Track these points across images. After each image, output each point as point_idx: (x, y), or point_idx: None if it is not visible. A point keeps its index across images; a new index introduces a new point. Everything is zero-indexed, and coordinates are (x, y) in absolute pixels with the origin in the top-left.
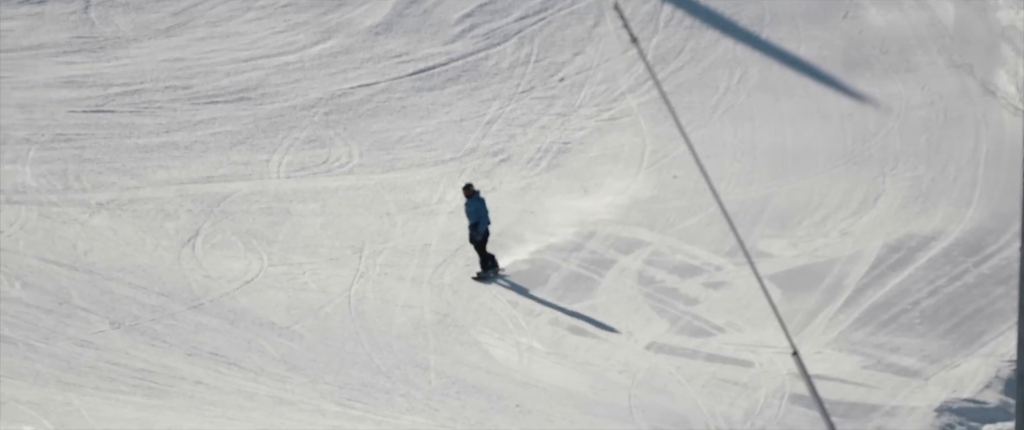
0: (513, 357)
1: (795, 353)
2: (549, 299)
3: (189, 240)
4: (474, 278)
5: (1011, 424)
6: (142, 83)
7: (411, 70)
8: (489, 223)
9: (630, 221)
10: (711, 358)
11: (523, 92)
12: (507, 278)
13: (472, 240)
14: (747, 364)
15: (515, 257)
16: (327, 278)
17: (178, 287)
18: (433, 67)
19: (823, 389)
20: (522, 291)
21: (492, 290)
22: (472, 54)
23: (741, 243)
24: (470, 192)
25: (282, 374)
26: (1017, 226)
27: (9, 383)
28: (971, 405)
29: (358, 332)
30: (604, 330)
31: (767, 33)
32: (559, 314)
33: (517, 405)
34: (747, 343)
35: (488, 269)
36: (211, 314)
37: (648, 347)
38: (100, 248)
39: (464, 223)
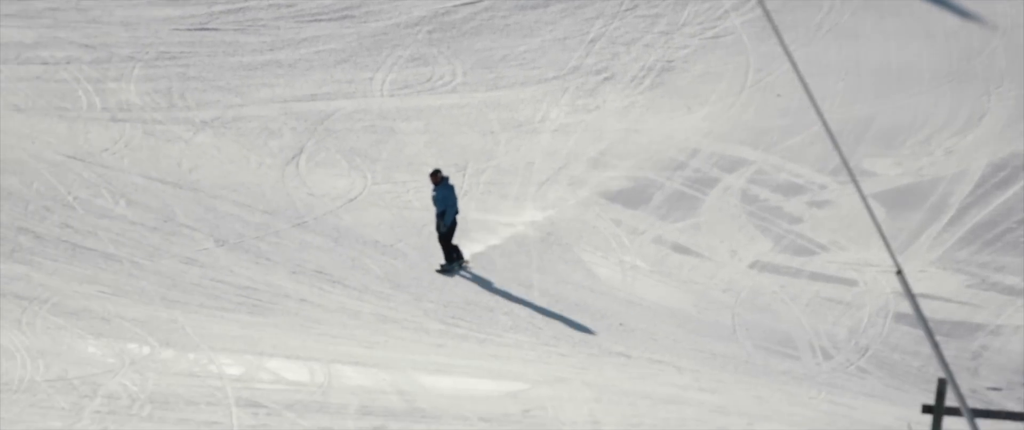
0: (616, 276)
1: (899, 272)
2: (652, 218)
3: (293, 158)
4: (437, 271)
5: None
6: (246, 1)
7: None
8: (457, 213)
9: (734, 140)
10: (815, 277)
11: (626, 10)
12: (470, 269)
13: (438, 230)
14: (851, 283)
15: (614, 174)
16: (429, 196)
17: (282, 205)
18: None
19: (927, 308)
20: (626, 210)
21: (595, 209)
22: None
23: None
24: (438, 178)
25: (386, 292)
26: None
27: (115, 300)
28: None
29: (461, 249)
30: (707, 249)
31: None
32: (663, 233)
33: (620, 324)
34: (851, 262)
35: (452, 261)
36: (315, 232)
37: (752, 266)
38: (204, 166)
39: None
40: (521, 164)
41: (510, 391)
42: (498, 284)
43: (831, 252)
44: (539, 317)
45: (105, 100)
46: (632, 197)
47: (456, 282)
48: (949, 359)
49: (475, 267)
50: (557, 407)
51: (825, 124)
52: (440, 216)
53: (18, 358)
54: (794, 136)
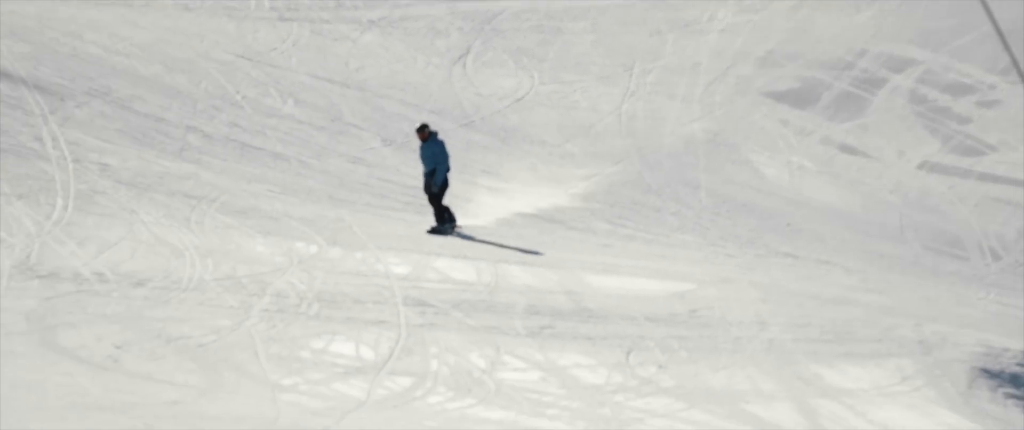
0: (784, 176)
1: None
2: (820, 118)
3: (460, 58)
4: (429, 231)
5: None
6: None
7: None
8: (448, 170)
9: (902, 39)
10: (984, 177)
11: None
12: (462, 232)
13: (427, 190)
14: (1020, 183)
15: (781, 74)
16: (598, 96)
17: (449, 105)
18: None
19: None
20: (793, 110)
21: (763, 109)
22: None
23: (1014, 61)
24: (426, 134)
25: (553, 192)
26: None
27: (283, 199)
28: None
29: (629, 151)
30: (875, 149)
31: None
32: (830, 132)
33: (788, 224)
34: (1020, 162)
35: (445, 223)
36: (482, 131)
37: (920, 166)
38: (371, 65)
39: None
40: (688, 64)
41: (677, 291)
42: (665, 184)
43: (1000, 152)
44: (706, 217)
45: None
46: (800, 97)
47: (623, 182)
48: None
49: (642, 167)
50: (724, 307)
51: (994, 23)
52: (429, 175)
53: (187, 257)
54: (963, 36)
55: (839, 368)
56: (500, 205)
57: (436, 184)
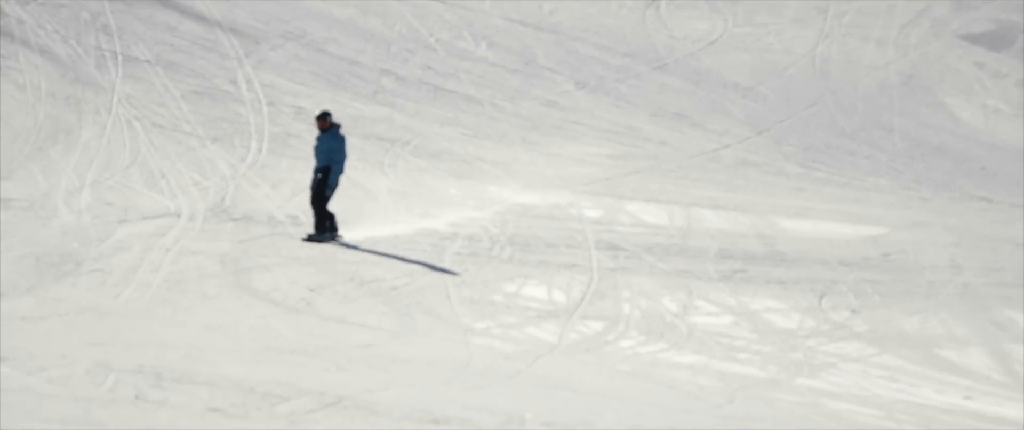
0: (979, 119)
1: None
2: (1016, 61)
3: (654, 0)
4: (306, 239)
5: None
6: None
7: None
8: (341, 172)
9: None
10: None
11: None
12: (342, 241)
13: (315, 190)
14: None
15: (976, 16)
16: (792, 39)
17: (642, 47)
18: None
19: None
20: (989, 53)
21: (958, 51)
22: None
23: None
24: (326, 124)
25: (746, 135)
26: None
27: (476, 143)
28: None
29: (822, 94)
30: None
31: None
32: None
33: (982, 168)
34: None
35: (325, 231)
36: (675, 74)
37: None
38: (565, 8)
39: None
40: (883, 6)
41: (870, 235)
42: (859, 127)
43: None
44: (900, 160)
45: None
46: (995, 39)
47: (817, 125)
48: None
49: (836, 110)
50: (917, 251)
51: None
52: (321, 172)
53: (380, 199)
54: None
55: None
56: (693, 146)
57: (330, 186)
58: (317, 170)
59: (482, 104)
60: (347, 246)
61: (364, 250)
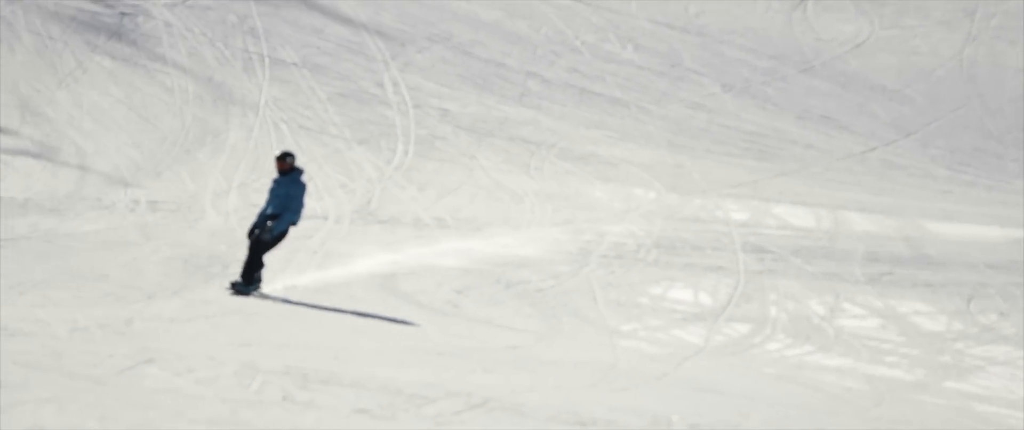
0: None
1: None
2: None
3: (800, 3)
4: (230, 286)
5: None
6: None
7: None
8: (294, 222)
9: None
10: None
11: None
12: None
13: (256, 234)
14: None
15: None
16: (938, 41)
17: (789, 50)
18: None
19: None
20: None
21: None
22: None
23: None
24: (287, 165)
25: (892, 138)
26: None
27: (622, 145)
28: None
29: (969, 96)
30: None
31: None
32: None
33: None
34: None
35: (252, 283)
36: (822, 77)
37: None
38: (711, 10)
39: None
40: None
41: (1018, 238)
42: (1006, 130)
43: None
44: None
45: None
46: None
47: (964, 128)
48: None
49: (983, 113)
50: None
51: None
52: (269, 218)
53: (527, 202)
54: None
55: None
56: (839, 148)
57: (274, 234)
58: (264, 215)
59: (628, 107)
60: (267, 298)
61: (511, 252)
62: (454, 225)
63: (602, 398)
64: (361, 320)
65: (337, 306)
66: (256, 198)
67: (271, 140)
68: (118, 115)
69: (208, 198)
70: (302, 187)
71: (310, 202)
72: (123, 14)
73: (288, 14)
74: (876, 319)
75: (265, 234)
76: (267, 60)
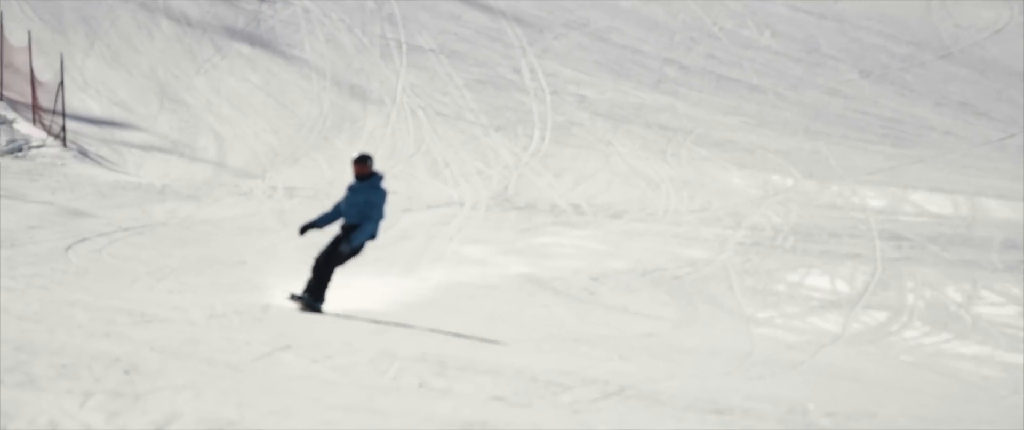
0: None
1: None
2: None
3: None
4: (292, 298)
5: None
6: None
7: None
8: (372, 236)
9: None
10: None
11: None
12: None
13: (327, 249)
14: None
15: None
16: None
17: (927, 36)
18: None
19: None
20: None
21: None
22: None
23: None
24: (365, 170)
25: None
26: None
27: (758, 131)
28: None
29: None
30: None
31: None
32: None
33: None
34: None
35: (320, 299)
36: (960, 63)
37: None
38: None
39: None
40: None
41: None
42: None
43: None
44: None
45: None
46: None
47: None
48: None
49: None
50: None
51: None
52: (349, 230)
53: (663, 188)
54: None
55: None
56: (978, 135)
57: (353, 247)
58: (344, 227)
59: (765, 93)
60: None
61: (647, 239)
62: (590, 212)
63: (738, 386)
64: (498, 307)
65: (474, 294)
66: (394, 184)
67: (408, 127)
68: (255, 101)
69: (345, 185)
70: (383, 194)
71: (448, 189)
72: (261, 1)
73: (426, 1)
74: (1014, 307)
75: (345, 245)
76: (404, 46)
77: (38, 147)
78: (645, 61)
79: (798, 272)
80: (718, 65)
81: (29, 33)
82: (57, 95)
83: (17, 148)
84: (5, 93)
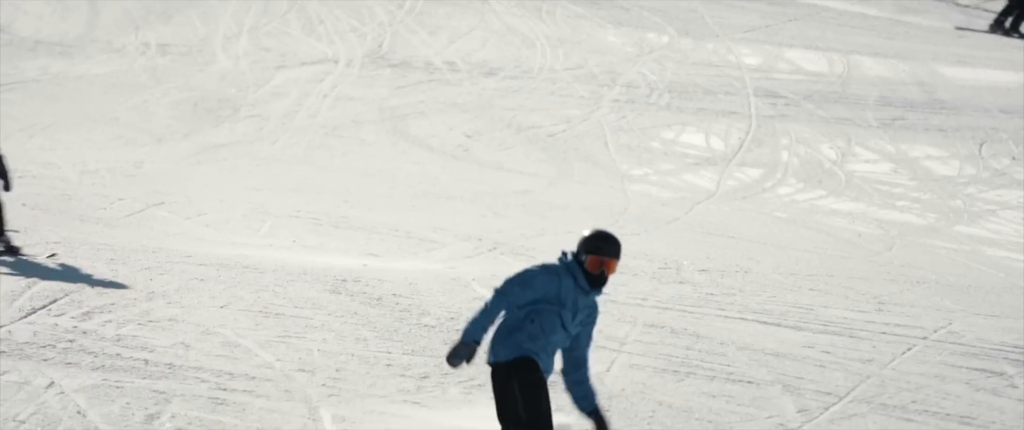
0: None
1: None
2: None
3: None
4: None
5: None
6: None
7: None
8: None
9: None
10: None
11: None
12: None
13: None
14: None
15: None
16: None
17: None
18: None
19: None
20: None
21: None
22: None
23: None
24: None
25: None
26: None
27: None
28: None
29: None
30: None
31: None
32: None
33: None
34: None
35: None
36: None
37: None
38: None
39: None
40: None
41: None
42: None
43: None
44: None
45: None
46: None
47: None
48: None
49: None
50: None
51: None
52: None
53: (538, 46)
54: None
55: None
56: None
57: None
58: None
59: None
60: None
61: (522, 96)
62: (465, 69)
63: None
64: (371, 164)
65: (347, 150)
66: (267, 42)
67: None
68: None
69: (218, 42)
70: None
71: (323, 46)
72: None
73: None
74: (888, 164)
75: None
76: None
77: None
78: None
79: (673, 129)
80: None
81: None
82: None
83: None
84: None
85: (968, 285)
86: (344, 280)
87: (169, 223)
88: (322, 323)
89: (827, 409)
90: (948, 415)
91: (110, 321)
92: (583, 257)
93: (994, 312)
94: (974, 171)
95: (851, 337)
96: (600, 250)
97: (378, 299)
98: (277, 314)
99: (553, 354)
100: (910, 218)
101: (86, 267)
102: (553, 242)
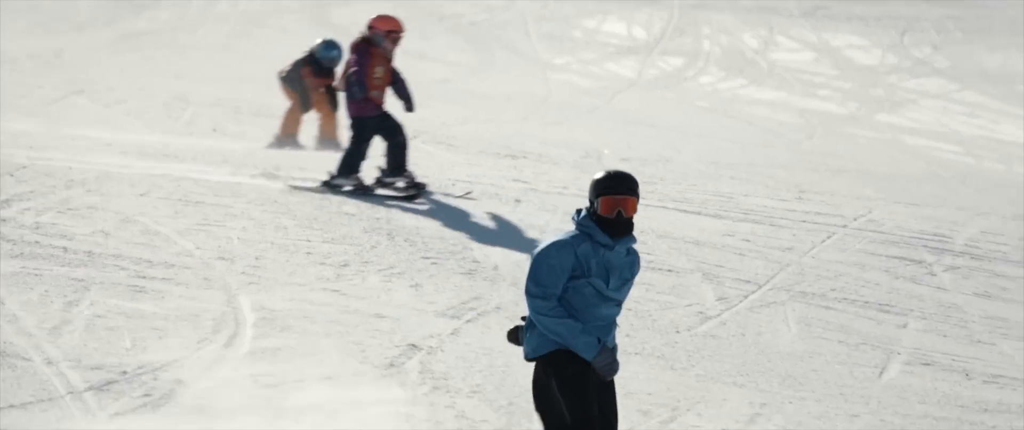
0: None
1: None
2: None
3: None
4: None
5: None
6: None
7: None
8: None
9: None
10: None
11: None
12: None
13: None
14: None
15: None
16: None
17: None
18: None
19: None
20: None
21: None
22: None
23: None
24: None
25: None
26: None
27: None
28: None
29: None
30: None
31: None
32: None
33: None
34: None
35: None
36: None
37: None
38: None
39: None
40: None
41: None
42: None
43: None
44: None
45: None
46: None
47: None
48: None
49: None
50: None
51: None
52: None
53: None
54: None
55: None
56: None
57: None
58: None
59: None
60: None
61: None
62: None
63: (534, 131)
64: (292, 52)
65: (268, 38)
66: None
67: None
68: None
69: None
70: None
71: None
72: None
73: None
74: (810, 53)
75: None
76: None
77: None
78: None
79: (595, 18)
80: None
81: None
82: None
83: None
84: None
85: (888, 174)
86: (265, 169)
87: (89, 111)
88: (242, 211)
89: (747, 297)
90: (867, 303)
91: (29, 209)
92: (595, 205)
93: (914, 200)
94: (895, 60)
95: (771, 225)
96: (610, 189)
97: (297, 187)
98: (197, 202)
99: (605, 329)
100: (831, 107)
101: (5, 155)
102: (475, 130)
